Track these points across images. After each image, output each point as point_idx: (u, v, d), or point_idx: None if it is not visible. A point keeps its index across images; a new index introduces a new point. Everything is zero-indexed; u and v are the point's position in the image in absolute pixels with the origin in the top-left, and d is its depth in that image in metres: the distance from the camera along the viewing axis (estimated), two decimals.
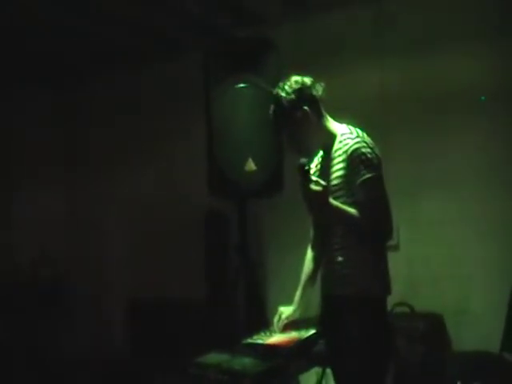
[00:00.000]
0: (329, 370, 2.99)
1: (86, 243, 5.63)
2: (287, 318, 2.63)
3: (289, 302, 2.65)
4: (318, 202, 2.17)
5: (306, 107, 2.30)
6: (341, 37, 4.26)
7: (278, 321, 2.63)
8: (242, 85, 3.26)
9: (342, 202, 2.23)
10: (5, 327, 4.81)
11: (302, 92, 2.30)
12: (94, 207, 5.62)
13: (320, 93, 2.35)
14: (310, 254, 2.67)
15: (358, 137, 2.26)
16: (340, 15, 4.22)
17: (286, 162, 3.44)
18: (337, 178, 2.28)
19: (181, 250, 4.91)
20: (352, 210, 2.21)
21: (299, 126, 2.31)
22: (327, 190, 2.16)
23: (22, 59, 5.02)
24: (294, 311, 2.64)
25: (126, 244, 5.41)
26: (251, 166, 3.18)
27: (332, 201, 2.19)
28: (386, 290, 2.35)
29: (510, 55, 3.72)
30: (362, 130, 2.32)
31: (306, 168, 2.17)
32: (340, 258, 2.32)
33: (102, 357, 5.14)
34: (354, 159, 2.21)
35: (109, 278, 5.47)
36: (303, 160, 2.19)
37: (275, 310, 2.67)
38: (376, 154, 2.25)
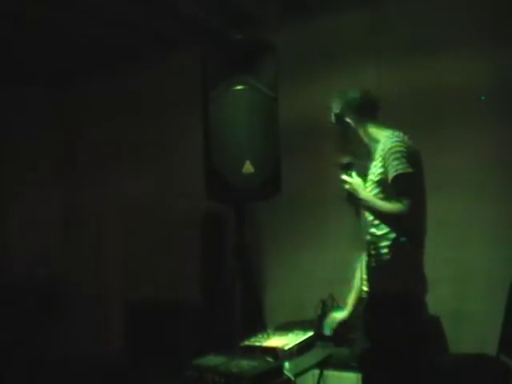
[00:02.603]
0: (326, 373, 3.01)
1: (86, 244, 5.63)
2: (340, 321, 2.76)
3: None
4: (352, 196, 2.44)
5: (354, 116, 2.62)
6: (339, 39, 4.26)
7: (332, 324, 2.76)
8: (239, 87, 3.26)
9: (380, 198, 2.45)
10: (4, 327, 4.81)
11: (351, 103, 2.63)
12: (93, 208, 5.61)
13: (371, 102, 2.65)
14: (364, 259, 2.69)
15: (396, 137, 2.48)
16: (339, 17, 4.22)
17: (283, 164, 3.45)
18: (377, 174, 2.49)
19: (179, 251, 4.92)
20: (381, 204, 2.42)
21: (350, 133, 2.64)
22: (360, 185, 2.45)
23: (22, 59, 5.02)
24: (346, 314, 2.76)
25: (125, 245, 5.41)
26: (249, 168, 3.18)
27: (365, 195, 2.44)
28: (421, 287, 2.53)
29: (508, 57, 3.72)
30: (403, 133, 2.53)
31: (347, 163, 2.51)
32: (384, 257, 2.47)
33: (101, 357, 5.14)
34: (389, 156, 2.42)
35: (107, 279, 5.47)
36: (346, 158, 2.52)
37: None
38: (411, 153, 2.43)
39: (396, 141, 2.45)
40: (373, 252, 2.52)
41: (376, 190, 2.49)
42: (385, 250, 2.46)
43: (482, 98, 3.77)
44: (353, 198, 2.46)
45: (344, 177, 2.46)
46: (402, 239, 2.44)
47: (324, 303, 3.53)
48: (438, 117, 3.96)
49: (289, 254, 4.44)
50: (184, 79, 4.75)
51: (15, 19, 4.14)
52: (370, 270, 2.56)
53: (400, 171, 2.38)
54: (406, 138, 2.51)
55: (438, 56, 3.91)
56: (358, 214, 2.56)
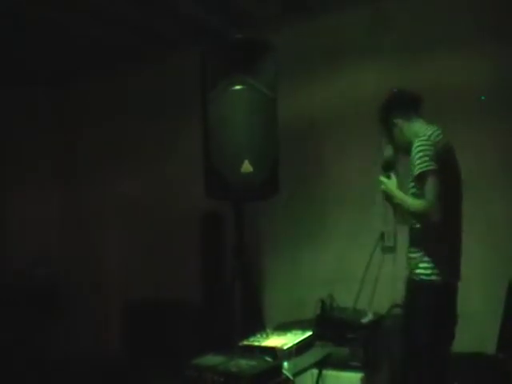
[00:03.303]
0: (325, 372, 3.01)
1: (86, 244, 5.63)
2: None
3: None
4: (387, 195, 2.73)
5: (397, 116, 2.79)
6: (339, 39, 4.26)
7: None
8: (239, 87, 3.26)
9: (414, 193, 2.64)
10: (4, 327, 4.81)
11: (392, 104, 2.84)
12: (93, 208, 5.62)
13: (411, 101, 2.82)
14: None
15: (423, 135, 2.61)
16: (339, 17, 4.22)
17: (282, 164, 3.45)
18: (411, 171, 2.64)
19: (178, 251, 4.92)
20: (409, 202, 2.61)
21: (393, 131, 2.83)
22: (393, 184, 2.71)
23: (22, 59, 5.03)
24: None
25: (124, 245, 5.41)
26: (248, 167, 3.18)
27: (397, 194, 2.68)
28: (444, 276, 2.68)
29: (508, 57, 3.72)
30: (437, 128, 2.68)
31: (386, 163, 2.79)
32: (415, 243, 2.72)
33: (101, 357, 5.14)
34: (414, 156, 2.58)
35: (107, 279, 5.47)
36: (386, 158, 2.80)
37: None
38: (438, 149, 2.56)
39: (420, 140, 2.58)
40: (410, 239, 2.78)
41: (411, 184, 2.67)
42: (416, 238, 2.71)
43: (482, 98, 3.77)
44: (388, 197, 2.75)
45: (381, 178, 2.76)
46: (429, 229, 2.62)
47: (323, 303, 3.52)
48: (437, 117, 3.94)
49: (289, 253, 4.44)
50: (184, 79, 4.76)
51: (15, 19, 4.14)
52: (406, 255, 2.80)
53: (421, 170, 2.53)
54: (436, 133, 2.63)
55: (438, 56, 3.91)
56: (396, 211, 2.84)
